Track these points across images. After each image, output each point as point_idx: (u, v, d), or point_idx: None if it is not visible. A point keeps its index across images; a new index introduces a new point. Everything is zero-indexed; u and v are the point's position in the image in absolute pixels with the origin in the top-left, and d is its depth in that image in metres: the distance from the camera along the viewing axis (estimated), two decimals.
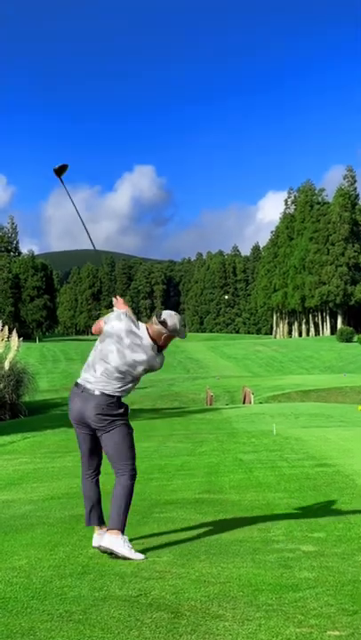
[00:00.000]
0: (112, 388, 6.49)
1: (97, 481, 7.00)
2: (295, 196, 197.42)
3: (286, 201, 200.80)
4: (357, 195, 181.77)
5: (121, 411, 6.55)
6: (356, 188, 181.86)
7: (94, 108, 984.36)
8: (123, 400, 6.63)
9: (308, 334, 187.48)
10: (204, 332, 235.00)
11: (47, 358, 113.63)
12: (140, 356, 6.50)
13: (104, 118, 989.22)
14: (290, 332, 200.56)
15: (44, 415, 44.37)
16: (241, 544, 6.43)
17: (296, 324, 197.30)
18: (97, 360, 6.59)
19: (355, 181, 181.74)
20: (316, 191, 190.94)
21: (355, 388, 60.56)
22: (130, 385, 6.62)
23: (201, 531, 7.04)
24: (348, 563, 5.68)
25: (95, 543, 6.57)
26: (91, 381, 6.54)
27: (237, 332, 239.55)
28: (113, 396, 6.49)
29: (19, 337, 44.88)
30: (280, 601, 4.73)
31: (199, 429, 23.01)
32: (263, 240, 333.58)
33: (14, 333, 43.80)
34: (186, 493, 9.94)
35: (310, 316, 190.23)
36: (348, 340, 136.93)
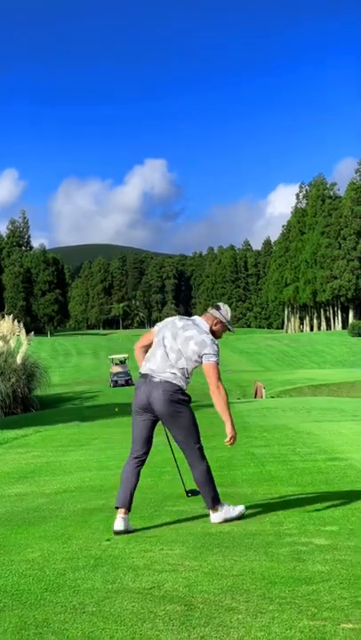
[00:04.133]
0: (172, 374, 6.90)
1: (139, 471, 7.29)
2: (307, 190, 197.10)
3: (298, 195, 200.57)
4: None
5: (186, 398, 6.96)
6: None
7: (105, 98, 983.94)
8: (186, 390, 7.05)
9: (319, 329, 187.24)
10: None
11: (59, 352, 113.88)
12: (192, 332, 6.96)
13: (115, 110, 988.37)
14: (301, 327, 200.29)
15: (55, 409, 44.50)
16: (254, 537, 6.42)
17: (307, 318, 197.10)
18: (156, 348, 7.06)
19: None
20: (328, 185, 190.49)
21: None
22: (186, 368, 6.95)
23: (214, 524, 7.03)
24: (360, 556, 5.67)
25: (117, 527, 6.82)
26: (153, 369, 6.97)
27: (249, 326, 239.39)
28: (176, 385, 6.88)
29: (31, 331, 45.05)
30: (293, 594, 4.73)
31: (211, 423, 22.93)
32: (273, 233, 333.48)
33: (22, 327, 43.93)
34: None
35: (322, 310, 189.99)
36: (360, 334, 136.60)
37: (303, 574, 5.18)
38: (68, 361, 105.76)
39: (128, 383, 71.92)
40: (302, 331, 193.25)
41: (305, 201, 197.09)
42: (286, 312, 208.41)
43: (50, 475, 12.46)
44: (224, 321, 7.22)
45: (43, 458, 15.36)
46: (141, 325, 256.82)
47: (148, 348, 7.25)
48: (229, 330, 7.33)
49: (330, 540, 6.25)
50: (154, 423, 7.13)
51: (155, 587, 4.96)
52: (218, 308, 7.25)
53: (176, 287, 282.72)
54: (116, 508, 7.02)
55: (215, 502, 7.08)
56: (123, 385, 71.98)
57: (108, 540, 6.55)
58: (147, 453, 7.28)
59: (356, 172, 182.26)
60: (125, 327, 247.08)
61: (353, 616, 4.27)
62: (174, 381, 6.88)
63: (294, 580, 5.05)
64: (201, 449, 7.09)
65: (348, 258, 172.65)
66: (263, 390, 55.73)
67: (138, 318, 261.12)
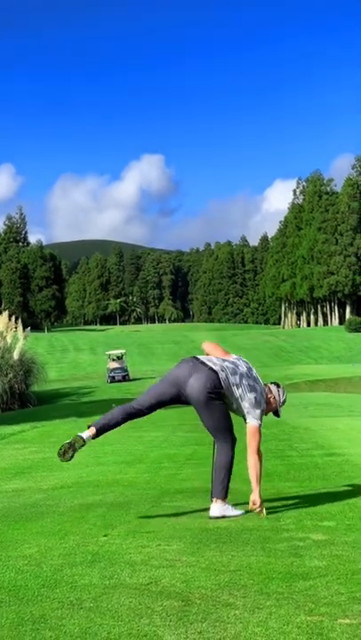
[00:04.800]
0: (221, 372, 7.06)
1: (127, 418, 7.36)
2: (304, 186, 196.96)
3: (295, 191, 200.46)
4: None
5: (222, 391, 7.04)
6: None
7: (103, 93, 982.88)
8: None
9: (316, 324, 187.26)
10: (213, 322, 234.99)
11: (56, 348, 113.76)
12: (257, 387, 7.27)
13: (113, 105, 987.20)
14: (298, 323, 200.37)
15: (53, 405, 44.50)
16: (251, 533, 6.43)
17: (304, 314, 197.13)
18: (223, 359, 7.29)
19: None
20: (325, 181, 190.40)
21: None
22: (229, 383, 7.09)
23: (211, 519, 7.03)
24: (358, 551, 5.66)
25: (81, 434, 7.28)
26: (205, 358, 7.19)
27: (246, 322, 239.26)
28: (219, 378, 7.02)
29: (27, 327, 45.03)
30: (290, 589, 4.72)
31: None
32: (270, 229, 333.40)
33: (20, 323, 43.93)
34: (195, 482, 9.94)
35: (319, 306, 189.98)
36: (357, 330, 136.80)
37: (300, 570, 5.18)
38: (66, 357, 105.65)
39: (125, 379, 71.97)
40: (299, 326, 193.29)
41: (302, 197, 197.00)
42: (283, 308, 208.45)
43: (47, 470, 12.46)
44: (278, 400, 7.57)
45: (40, 453, 15.37)
46: (138, 321, 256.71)
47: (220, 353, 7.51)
48: (277, 411, 7.65)
49: (327, 535, 6.26)
50: (174, 400, 7.25)
51: (152, 582, 4.96)
52: (278, 386, 7.61)
53: (173, 283, 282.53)
54: (88, 426, 7.38)
55: (222, 494, 7.16)
56: (120, 381, 72.00)
57: (105, 535, 6.54)
58: (144, 414, 7.38)
59: (352, 168, 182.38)
60: (122, 323, 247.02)
61: (350, 611, 4.27)
62: (218, 371, 7.05)
63: (292, 575, 5.05)
64: (234, 438, 7.26)
65: (344, 254, 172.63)
66: None
67: (135, 314, 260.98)
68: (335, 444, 14.16)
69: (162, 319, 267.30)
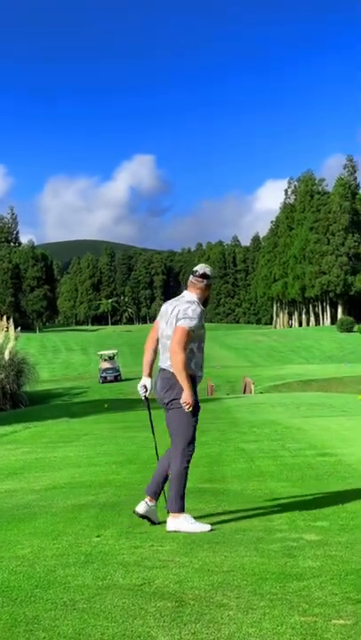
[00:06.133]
0: (168, 361, 6.82)
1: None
2: (295, 186, 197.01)
3: (286, 191, 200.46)
4: (358, 184, 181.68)
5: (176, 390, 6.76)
6: (356, 178, 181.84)
7: (95, 94, 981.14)
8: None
9: (308, 324, 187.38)
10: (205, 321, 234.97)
11: (47, 348, 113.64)
12: (177, 309, 6.93)
13: (105, 105, 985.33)
14: (290, 322, 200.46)
15: (45, 405, 44.44)
16: (244, 533, 6.42)
17: (296, 313, 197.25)
18: (160, 340, 7.05)
19: (355, 171, 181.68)
20: (317, 181, 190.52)
21: (355, 378, 60.66)
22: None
23: (203, 520, 7.02)
24: (351, 552, 5.67)
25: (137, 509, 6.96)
26: (160, 361, 6.98)
27: (237, 322, 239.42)
28: (170, 372, 6.78)
29: (18, 327, 44.96)
30: (284, 590, 4.72)
31: (201, 419, 22.91)
32: (262, 229, 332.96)
33: (11, 323, 43.88)
34: (188, 483, 9.89)
35: (310, 305, 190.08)
36: (349, 329, 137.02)
37: (294, 570, 5.18)
38: (57, 357, 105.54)
39: (117, 379, 71.98)
40: (291, 326, 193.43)
41: (293, 196, 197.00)
42: (275, 308, 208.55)
43: (39, 471, 12.43)
44: (199, 278, 7.01)
45: (32, 454, 15.33)
46: (130, 321, 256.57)
47: (157, 346, 7.14)
48: (206, 278, 7.04)
49: (320, 535, 6.26)
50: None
51: (145, 583, 4.95)
52: (193, 273, 7.06)
53: (165, 283, 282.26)
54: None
55: (178, 508, 6.73)
56: (112, 381, 72.02)
57: (98, 536, 6.53)
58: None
59: (344, 168, 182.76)
60: (114, 323, 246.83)
61: (344, 612, 4.27)
62: (171, 370, 6.78)
63: (285, 575, 5.04)
64: (191, 452, 6.87)
65: (336, 253, 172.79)
66: (252, 386, 55.83)
67: (126, 314, 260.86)
68: (328, 444, 14.16)
69: (153, 319, 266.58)
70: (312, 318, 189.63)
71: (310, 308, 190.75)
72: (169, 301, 7.19)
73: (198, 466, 11.88)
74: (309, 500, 8.06)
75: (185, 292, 7.08)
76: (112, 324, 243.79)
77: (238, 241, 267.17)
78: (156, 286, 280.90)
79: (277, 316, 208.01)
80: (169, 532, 6.61)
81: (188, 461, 6.83)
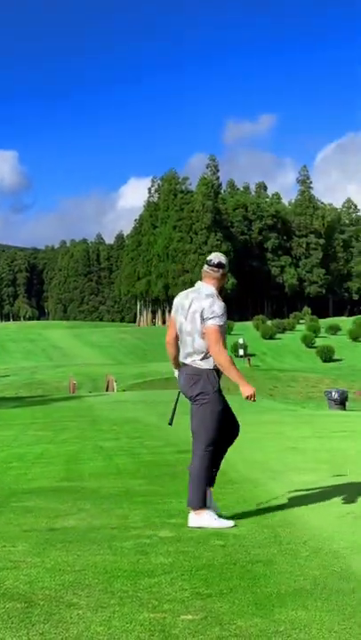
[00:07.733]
0: (192, 359, 6.77)
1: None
2: (159, 184, 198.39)
3: (150, 189, 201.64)
4: (220, 184, 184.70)
5: (209, 386, 6.69)
6: (218, 177, 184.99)
7: None
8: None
9: None
10: (68, 319, 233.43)
11: None
12: (196, 305, 6.76)
13: None
14: (153, 320, 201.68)
15: None
16: (98, 531, 6.40)
17: (160, 312, 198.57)
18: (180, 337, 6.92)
19: (217, 170, 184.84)
20: (180, 180, 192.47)
21: None
22: (205, 346, 6.68)
23: (59, 519, 6.97)
24: (203, 547, 5.74)
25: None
26: (182, 356, 6.89)
27: (101, 319, 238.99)
28: (197, 369, 6.74)
29: None
30: (135, 587, 4.73)
31: (61, 417, 22.86)
32: (125, 227, 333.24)
33: None
34: (44, 482, 9.86)
35: None
36: None
37: (146, 567, 5.20)
38: None
39: None
40: (154, 324, 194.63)
41: (157, 195, 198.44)
42: (139, 306, 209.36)
43: None
44: (215, 268, 6.87)
45: None
46: None
47: (177, 341, 7.01)
48: (222, 268, 6.88)
49: (174, 532, 6.31)
50: None
51: None
52: (208, 262, 6.90)
53: (28, 280, 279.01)
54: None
55: (199, 504, 6.65)
56: None
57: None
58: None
59: (207, 167, 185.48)
60: None
61: (193, 607, 4.32)
62: (194, 365, 6.73)
63: (137, 573, 5.05)
64: (212, 451, 6.76)
65: (199, 252, 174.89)
66: (114, 384, 55.90)
67: None
68: (186, 441, 14.28)
69: (16, 317, 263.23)
70: None
71: None
72: (182, 293, 7.04)
73: (56, 464, 11.81)
74: (166, 497, 8.12)
75: (200, 284, 6.92)
76: None
77: (102, 239, 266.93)
78: (19, 284, 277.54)
79: (141, 314, 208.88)
80: (191, 527, 6.51)
81: (210, 459, 6.77)
